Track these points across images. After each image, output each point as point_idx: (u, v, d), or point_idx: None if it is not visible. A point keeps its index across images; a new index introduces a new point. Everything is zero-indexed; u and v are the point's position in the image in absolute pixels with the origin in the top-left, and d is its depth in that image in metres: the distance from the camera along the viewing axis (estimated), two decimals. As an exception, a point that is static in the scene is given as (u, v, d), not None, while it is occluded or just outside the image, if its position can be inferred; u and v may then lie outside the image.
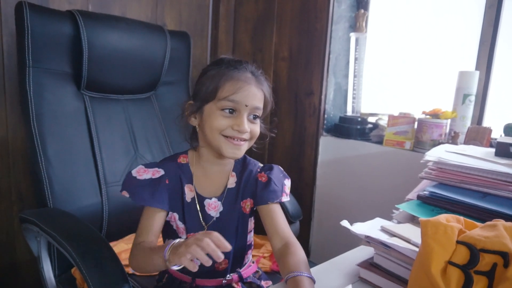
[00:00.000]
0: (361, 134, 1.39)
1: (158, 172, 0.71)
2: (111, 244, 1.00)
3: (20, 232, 0.98)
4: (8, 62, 1.17)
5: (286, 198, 0.75)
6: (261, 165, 0.79)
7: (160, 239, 0.78)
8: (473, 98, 1.14)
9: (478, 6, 1.19)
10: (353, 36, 1.43)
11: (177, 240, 0.58)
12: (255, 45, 1.66)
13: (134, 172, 0.71)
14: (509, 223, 0.48)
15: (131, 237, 1.09)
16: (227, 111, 0.67)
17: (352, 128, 1.38)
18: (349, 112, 1.50)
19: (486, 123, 1.21)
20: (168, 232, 0.75)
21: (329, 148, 1.44)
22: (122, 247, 1.03)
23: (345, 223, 0.64)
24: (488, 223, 0.50)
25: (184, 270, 0.74)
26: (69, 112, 1.04)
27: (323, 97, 1.44)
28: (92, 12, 1.17)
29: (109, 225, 1.06)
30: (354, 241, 0.67)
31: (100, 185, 1.05)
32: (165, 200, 0.70)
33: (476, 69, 1.20)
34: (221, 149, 0.68)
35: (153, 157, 1.19)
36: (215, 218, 0.73)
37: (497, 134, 1.07)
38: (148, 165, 0.72)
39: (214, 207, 0.74)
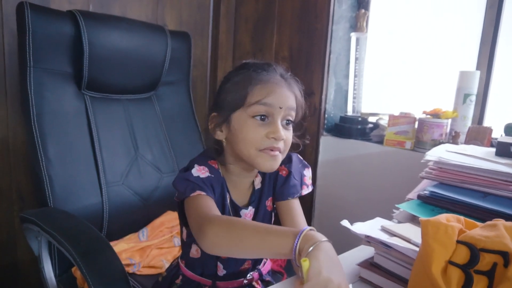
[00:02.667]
0: (362, 134, 1.39)
1: (209, 173, 0.65)
2: (112, 243, 1.00)
3: (21, 231, 0.98)
4: (9, 62, 1.17)
5: (306, 190, 0.71)
6: None
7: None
8: (473, 98, 1.14)
9: (479, 6, 1.19)
10: (353, 36, 1.43)
11: (308, 228, 0.49)
12: (256, 45, 1.66)
13: (195, 172, 0.63)
14: (509, 223, 0.48)
15: (131, 237, 1.10)
16: (258, 118, 0.61)
17: (353, 128, 1.38)
18: (350, 112, 1.50)
19: (486, 123, 1.21)
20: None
21: (329, 148, 1.44)
22: (122, 247, 1.03)
23: (345, 222, 0.64)
24: (488, 222, 0.50)
25: (204, 273, 0.72)
26: (69, 112, 1.04)
27: (323, 97, 1.44)
28: (93, 12, 1.18)
29: (109, 224, 1.06)
30: (354, 240, 0.67)
31: (100, 185, 1.05)
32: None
33: (477, 69, 1.20)
34: (257, 164, 0.63)
35: (154, 157, 1.20)
36: None
37: (498, 134, 1.07)
38: (200, 164, 0.65)
39: (250, 215, 0.71)
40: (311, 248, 0.46)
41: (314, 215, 1.50)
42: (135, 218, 1.14)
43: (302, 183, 0.72)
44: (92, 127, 1.07)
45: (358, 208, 1.35)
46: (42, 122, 0.97)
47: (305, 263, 0.44)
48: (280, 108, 0.62)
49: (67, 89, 1.04)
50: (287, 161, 0.72)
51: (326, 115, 1.46)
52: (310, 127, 1.49)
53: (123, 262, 0.73)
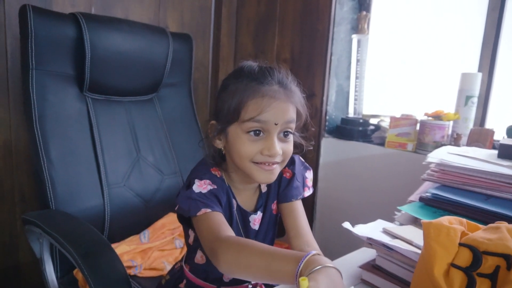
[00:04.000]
0: (363, 135, 1.39)
1: (212, 185, 0.63)
2: (113, 245, 1.00)
3: (23, 233, 0.98)
4: (12, 64, 1.17)
5: (308, 192, 0.71)
6: None
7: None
8: (475, 99, 1.14)
9: (481, 8, 1.19)
10: (355, 37, 1.43)
11: (312, 253, 0.47)
12: (257, 47, 1.66)
13: (196, 188, 0.61)
14: (512, 225, 0.48)
15: (132, 239, 1.10)
16: (252, 133, 0.59)
17: (354, 129, 1.38)
18: (351, 114, 1.50)
19: (488, 125, 1.21)
20: (200, 243, 0.70)
21: (330, 149, 1.44)
22: (124, 249, 1.03)
23: (347, 225, 0.64)
24: (491, 225, 0.50)
25: (208, 278, 0.71)
26: (71, 114, 1.04)
27: (325, 98, 1.44)
28: (95, 14, 1.18)
29: (111, 226, 1.06)
30: (356, 243, 0.66)
31: (102, 187, 1.05)
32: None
33: (479, 70, 1.20)
34: (253, 176, 0.62)
35: (155, 159, 1.20)
36: (256, 231, 0.70)
37: (500, 136, 1.07)
38: (202, 177, 0.63)
39: (258, 220, 0.70)
40: (312, 270, 0.44)
41: (316, 217, 1.50)
42: (137, 220, 1.14)
43: (304, 185, 0.72)
44: (94, 129, 1.07)
45: (360, 210, 1.35)
46: (44, 124, 0.98)
47: (303, 282, 0.41)
48: (276, 124, 0.59)
49: (69, 91, 1.05)
50: (290, 163, 0.71)
51: (327, 117, 1.46)
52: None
53: (125, 264, 0.73)
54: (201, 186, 0.62)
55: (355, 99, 1.48)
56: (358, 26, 1.42)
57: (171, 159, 1.24)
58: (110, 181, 1.07)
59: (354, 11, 1.47)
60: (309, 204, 1.51)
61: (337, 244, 1.41)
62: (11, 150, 1.22)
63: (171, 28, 1.52)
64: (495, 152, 0.85)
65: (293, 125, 0.63)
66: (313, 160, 1.49)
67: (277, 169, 0.63)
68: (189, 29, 1.57)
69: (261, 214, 0.71)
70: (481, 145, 1.05)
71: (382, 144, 1.32)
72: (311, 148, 0.70)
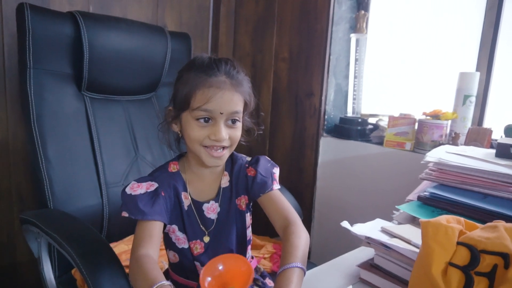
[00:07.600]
0: (362, 135, 1.39)
1: (152, 185, 0.69)
2: (112, 245, 1.00)
3: (21, 233, 0.98)
4: (9, 63, 1.17)
5: (277, 186, 0.75)
6: (249, 159, 0.78)
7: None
8: (473, 99, 1.14)
9: (479, 7, 1.19)
10: (353, 37, 1.43)
11: (163, 283, 0.55)
12: (256, 46, 1.66)
13: (128, 190, 0.68)
14: (509, 224, 0.48)
15: (131, 238, 1.09)
16: (202, 120, 0.65)
17: (353, 129, 1.38)
18: (350, 113, 1.50)
19: (486, 124, 1.21)
20: (167, 243, 0.75)
21: (329, 149, 1.44)
22: (122, 248, 1.03)
23: (345, 224, 0.64)
24: (488, 224, 0.50)
25: (188, 276, 0.74)
26: (69, 113, 1.04)
27: (323, 98, 1.44)
28: (93, 13, 1.18)
29: (109, 226, 1.06)
30: (355, 242, 0.67)
31: (100, 186, 1.05)
32: (163, 212, 0.68)
33: (477, 70, 1.20)
34: (202, 159, 0.68)
35: (154, 158, 1.20)
36: (215, 220, 0.73)
37: (498, 135, 1.07)
38: (140, 180, 0.70)
39: (213, 209, 0.73)
40: None
41: (314, 216, 1.50)
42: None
43: (272, 179, 0.74)
44: (92, 128, 1.07)
45: (358, 209, 1.35)
46: (42, 123, 0.97)
47: None
48: (221, 113, 0.65)
49: (67, 90, 1.04)
50: (254, 162, 0.76)
51: (326, 116, 1.46)
52: (310, 128, 1.49)
53: (123, 264, 0.73)
54: (132, 189, 0.68)
55: (354, 99, 1.48)
56: (357, 25, 1.42)
57: (170, 158, 1.23)
58: (108, 180, 1.07)
59: (352, 10, 1.47)
60: (308, 203, 1.51)
61: (336, 243, 1.42)
62: (9, 149, 1.21)
63: (169, 27, 1.52)
64: (493, 151, 0.85)
65: (240, 114, 0.68)
66: (311, 160, 1.49)
67: (225, 154, 0.69)
68: (187, 28, 1.57)
69: (216, 204, 0.73)
70: (479, 144, 1.05)
71: (380, 143, 1.32)
72: (261, 132, 0.77)
